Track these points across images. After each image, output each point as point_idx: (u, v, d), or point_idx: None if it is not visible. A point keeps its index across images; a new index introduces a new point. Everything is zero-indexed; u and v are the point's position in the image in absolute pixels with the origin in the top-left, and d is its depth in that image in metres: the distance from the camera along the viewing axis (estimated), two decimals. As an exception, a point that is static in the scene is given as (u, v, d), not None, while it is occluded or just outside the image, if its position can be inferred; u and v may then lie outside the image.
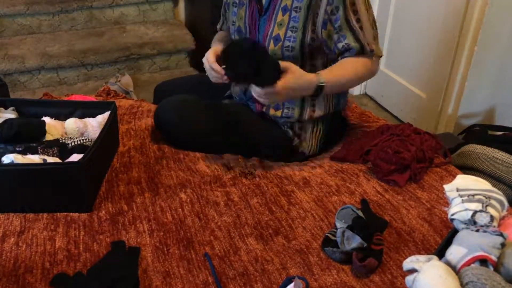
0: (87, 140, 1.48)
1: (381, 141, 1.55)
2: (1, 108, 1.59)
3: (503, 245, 1.02)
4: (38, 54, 2.88)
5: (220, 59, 1.43)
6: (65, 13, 3.14)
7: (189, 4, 3.46)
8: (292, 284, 1.05)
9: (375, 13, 2.72)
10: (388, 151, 1.48)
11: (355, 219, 1.23)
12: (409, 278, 1.01)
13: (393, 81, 2.72)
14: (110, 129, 1.50)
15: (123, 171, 1.50)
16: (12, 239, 1.23)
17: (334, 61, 1.54)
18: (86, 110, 1.62)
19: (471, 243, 1.03)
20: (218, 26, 1.80)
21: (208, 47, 1.56)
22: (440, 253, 1.08)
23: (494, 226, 1.08)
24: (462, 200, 1.14)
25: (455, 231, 1.12)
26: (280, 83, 1.35)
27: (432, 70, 2.42)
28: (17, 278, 1.12)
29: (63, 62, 2.89)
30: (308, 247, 1.23)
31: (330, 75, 1.46)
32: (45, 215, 1.31)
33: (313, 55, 1.54)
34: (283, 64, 1.38)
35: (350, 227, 1.21)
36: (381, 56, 1.55)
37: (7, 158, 1.31)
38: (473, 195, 1.14)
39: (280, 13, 1.51)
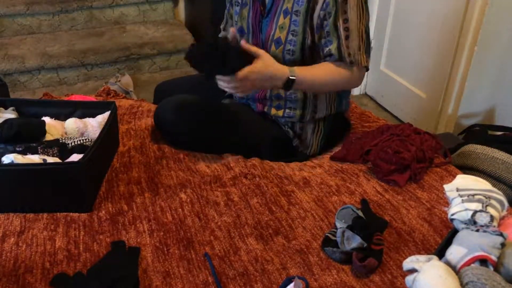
0: (87, 140, 1.47)
1: (381, 141, 1.55)
2: (1, 108, 1.59)
3: (503, 245, 1.02)
4: (38, 54, 2.89)
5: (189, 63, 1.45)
6: (65, 13, 3.14)
7: (189, 4, 3.47)
8: (292, 284, 1.05)
9: (375, 13, 2.75)
10: (388, 151, 1.48)
11: (355, 219, 1.23)
12: (409, 278, 1.01)
13: (393, 81, 2.72)
14: (110, 129, 1.50)
15: (123, 171, 1.50)
16: (12, 239, 1.23)
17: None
18: (86, 110, 1.62)
19: (471, 243, 1.03)
20: (222, 26, 1.80)
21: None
22: (440, 253, 1.08)
23: (494, 226, 1.08)
24: (462, 200, 1.14)
25: (455, 231, 1.12)
26: (247, 69, 1.36)
27: (432, 70, 2.42)
28: (17, 278, 1.12)
29: (63, 62, 2.89)
30: (308, 247, 1.23)
31: (304, 72, 1.47)
32: (45, 215, 1.31)
33: (314, 58, 1.54)
34: (256, 51, 1.39)
35: (350, 227, 1.21)
36: (366, 67, 1.54)
37: (7, 158, 1.31)
38: (473, 195, 1.14)
39: (281, 16, 1.52)
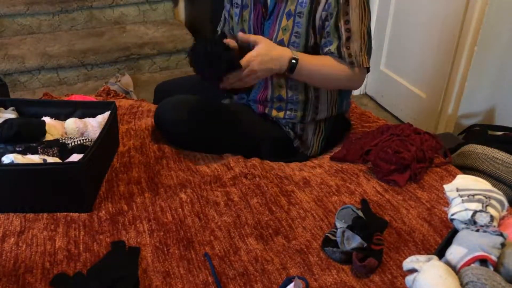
0: (87, 140, 1.47)
1: (381, 141, 1.55)
2: (1, 108, 1.59)
3: (503, 245, 1.02)
4: (38, 54, 2.89)
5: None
6: (65, 13, 3.14)
7: (189, 4, 3.47)
8: (292, 284, 1.05)
9: (375, 13, 2.75)
10: (388, 151, 1.48)
11: (355, 219, 1.23)
12: (409, 278, 1.01)
13: (393, 81, 2.72)
14: (110, 129, 1.50)
15: (123, 171, 1.50)
16: (12, 239, 1.23)
17: None
18: (86, 110, 1.62)
19: (471, 243, 1.03)
20: (219, 28, 1.80)
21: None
22: (440, 253, 1.08)
23: (494, 226, 1.08)
24: (462, 200, 1.14)
25: (455, 231, 1.12)
26: (248, 54, 1.37)
27: (432, 70, 2.42)
28: (17, 278, 1.12)
29: (63, 62, 2.89)
30: (308, 247, 1.23)
31: (306, 57, 1.47)
32: (45, 215, 1.31)
33: None
34: (255, 38, 1.40)
35: (350, 227, 1.21)
36: (368, 68, 1.54)
37: (7, 158, 1.31)
38: (473, 195, 1.14)
39: (284, 18, 1.51)
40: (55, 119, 1.57)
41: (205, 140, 1.62)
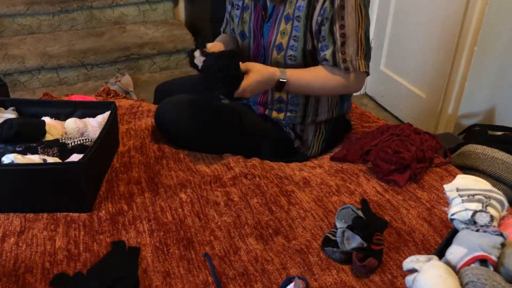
0: (87, 140, 1.47)
1: (381, 141, 1.55)
2: (1, 108, 1.59)
3: (503, 245, 1.02)
4: (38, 54, 2.89)
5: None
6: (65, 13, 3.14)
7: (189, 4, 3.47)
8: (292, 284, 1.05)
9: (375, 13, 2.75)
10: (388, 151, 1.48)
11: (355, 219, 1.23)
12: (409, 278, 1.01)
13: (393, 81, 2.72)
14: (110, 129, 1.50)
15: (123, 171, 1.50)
16: (12, 239, 1.23)
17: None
18: (86, 110, 1.62)
19: (471, 243, 1.03)
20: (221, 29, 1.80)
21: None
22: (440, 253, 1.08)
23: (494, 226, 1.08)
24: (462, 200, 1.14)
25: (455, 231, 1.12)
26: (242, 86, 1.40)
27: (432, 70, 2.42)
28: (17, 278, 1.12)
29: (63, 62, 2.89)
30: (308, 247, 1.23)
31: (296, 74, 1.48)
32: (45, 215, 1.31)
33: (316, 62, 1.54)
34: (246, 66, 1.42)
35: (350, 227, 1.21)
36: (366, 72, 1.52)
37: (7, 158, 1.31)
38: (473, 195, 1.14)
39: (283, 22, 1.51)
40: (55, 119, 1.57)
41: (205, 140, 1.62)
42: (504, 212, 1.15)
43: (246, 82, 1.41)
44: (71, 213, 1.32)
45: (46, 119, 1.55)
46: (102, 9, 3.23)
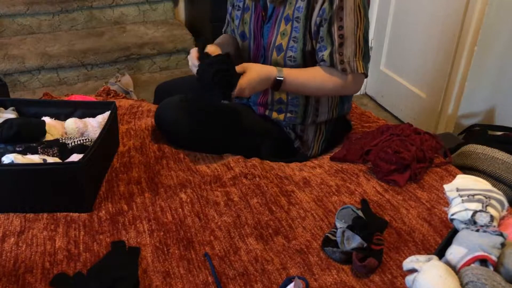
0: (87, 140, 1.48)
1: (381, 141, 1.55)
2: (1, 108, 1.59)
3: (503, 245, 1.02)
4: (38, 54, 2.89)
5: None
6: (65, 13, 3.14)
7: (189, 4, 3.47)
8: (292, 284, 1.05)
9: (375, 13, 2.75)
10: (388, 151, 1.48)
11: (355, 219, 1.23)
12: (409, 278, 1.01)
13: (393, 81, 2.72)
14: (110, 129, 1.50)
15: (123, 171, 1.50)
16: (12, 239, 1.23)
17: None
18: (86, 110, 1.62)
19: (471, 243, 1.03)
20: (223, 29, 1.80)
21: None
22: (440, 253, 1.08)
23: (494, 226, 1.08)
24: (462, 200, 1.14)
25: (455, 231, 1.12)
26: (238, 86, 1.40)
27: (432, 70, 2.42)
28: (17, 278, 1.12)
29: (63, 62, 2.89)
30: (308, 247, 1.23)
31: (292, 74, 1.48)
32: (45, 215, 1.31)
33: (316, 63, 1.54)
34: (242, 67, 1.43)
35: (350, 227, 1.21)
36: (365, 74, 1.51)
37: (7, 158, 1.31)
38: (473, 195, 1.14)
39: (283, 23, 1.51)
40: (55, 119, 1.57)
41: (205, 140, 1.62)
42: (504, 212, 1.15)
43: (243, 80, 1.41)
44: (71, 213, 1.32)
45: (46, 119, 1.55)
46: (102, 9, 3.23)
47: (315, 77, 1.50)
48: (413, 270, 1.01)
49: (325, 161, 1.61)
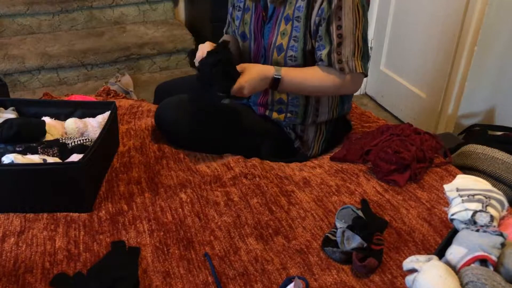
0: (87, 140, 1.48)
1: (381, 141, 1.55)
2: (1, 108, 1.59)
3: (503, 245, 1.02)
4: (38, 54, 2.89)
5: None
6: (65, 13, 3.14)
7: (189, 4, 3.47)
8: (292, 284, 1.05)
9: (375, 13, 2.75)
10: (388, 151, 1.48)
11: (355, 219, 1.23)
12: (409, 278, 1.01)
13: (393, 81, 2.72)
14: (110, 129, 1.50)
15: (123, 171, 1.50)
16: (12, 239, 1.23)
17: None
18: (86, 110, 1.62)
19: (471, 243, 1.03)
20: (224, 30, 1.80)
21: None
22: (440, 253, 1.08)
23: (494, 226, 1.08)
24: (462, 200, 1.14)
25: (455, 231, 1.12)
26: (237, 84, 1.41)
27: (432, 70, 2.42)
28: (17, 278, 1.12)
29: (63, 62, 2.89)
30: (308, 247, 1.23)
31: (291, 73, 1.48)
32: (45, 215, 1.31)
33: (316, 63, 1.54)
34: (240, 67, 1.44)
35: (350, 227, 1.21)
36: (364, 73, 1.51)
37: (7, 158, 1.31)
38: (473, 195, 1.14)
39: (283, 23, 1.51)
40: (55, 119, 1.57)
41: (205, 140, 1.62)
42: (504, 212, 1.15)
43: (242, 79, 1.41)
44: (71, 213, 1.32)
45: (46, 119, 1.55)
46: (102, 9, 3.23)
47: (313, 76, 1.50)
48: (413, 270, 1.01)
49: (325, 161, 1.61)
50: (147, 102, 1.97)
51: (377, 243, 1.18)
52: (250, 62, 1.67)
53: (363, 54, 1.49)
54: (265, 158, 1.60)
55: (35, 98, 2.51)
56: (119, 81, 2.75)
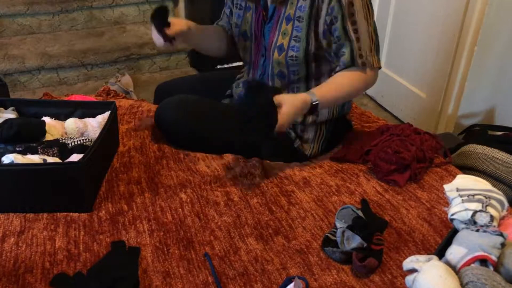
0: (87, 140, 1.48)
1: (381, 141, 1.55)
2: (1, 108, 1.59)
3: (503, 245, 1.02)
4: (38, 54, 2.88)
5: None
6: (65, 13, 3.14)
7: (189, 4, 3.46)
8: (292, 284, 1.05)
9: (375, 13, 2.74)
10: (388, 151, 1.48)
11: (355, 219, 1.23)
12: (409, 278, 1.01)
13: (393, 81, 2.72)
14: (110, 129, 1.50)
15: (123, 171, 1.50)
16: (12, 239, 1.23)
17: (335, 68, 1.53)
18: (86, 110, 1.62)
19: (471, 243, 1.03)
20: (215, 22, 1.80)
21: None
22: (440, 253, 1.08)
23: (494, 226, 1.08)
24: (462, 200, 1.14)
25: (455, 231, 1.12)
26: (280, 119, 1.32)
27: (432, 70, 2.42)
28: (17, 278, 1.12)
29: (63, 62, 2.89)
30: (308, 247, 1.23)
31: (324, 92, 1.45)
32: (45, 215, 1.31)
33: (319, 62, 1.54)
34: (276, 100, 1.34)
35: (350, 227, 1.21)
36: (379, 67, 1.52)
37: (7, 158, 1.31)
38: (473, 195, 1.14)
39: (284, 23, 1.51)
40: (55, 119, 1.57)
41: (205, 140, 1.62)
42: (504, 212, 1.15)
43: (281, 117, 1.34)
44: (71, 213, 1.32)
45: (46, 119, 1.55)
46: (102, 9, 3.23)
47: (342, 83, 1.50)
48: (413, 270, 1.01)
49: (325, 161, 1.60)
50: (147, 102, 1.97)
51: (377, 243, 1.18)
52: (250, 62, 1.67)
53: (377, 48, 1.50)
54: (265, 158, 1.60)
55: (35, 98, 2.51)
56: (119, 81, 2.75)
